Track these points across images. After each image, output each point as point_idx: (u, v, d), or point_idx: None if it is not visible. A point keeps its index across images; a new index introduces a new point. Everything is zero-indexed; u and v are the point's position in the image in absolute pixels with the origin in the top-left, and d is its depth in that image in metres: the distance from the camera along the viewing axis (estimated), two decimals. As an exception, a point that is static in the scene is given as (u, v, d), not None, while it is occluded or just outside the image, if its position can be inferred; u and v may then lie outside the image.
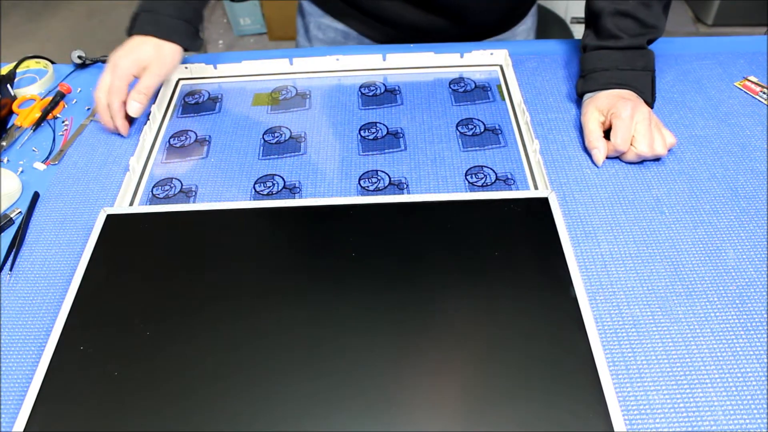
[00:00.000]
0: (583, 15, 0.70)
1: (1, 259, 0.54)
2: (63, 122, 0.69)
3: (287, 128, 0.67)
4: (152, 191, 0.60)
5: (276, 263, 0.50)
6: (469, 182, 0.59)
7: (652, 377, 0.44)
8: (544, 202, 0.54)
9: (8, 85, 0.72)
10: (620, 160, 0.61)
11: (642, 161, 0.60)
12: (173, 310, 0.47)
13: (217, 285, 0.49)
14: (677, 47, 0.76)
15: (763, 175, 0.59)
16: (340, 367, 0.43)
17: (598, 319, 0.48)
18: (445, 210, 0.53)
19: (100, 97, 0.65)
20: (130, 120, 0.67)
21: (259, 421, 0.41)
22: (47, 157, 0.65)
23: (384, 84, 0.72)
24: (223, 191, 0.60)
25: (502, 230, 0.52)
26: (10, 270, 0.53)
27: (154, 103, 0.69)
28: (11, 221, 0.57)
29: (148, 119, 0.66)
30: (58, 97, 0.71)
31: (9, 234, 0.56)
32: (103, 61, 0.77)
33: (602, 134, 0.61)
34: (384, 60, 0.74)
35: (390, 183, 0.60)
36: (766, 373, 0.44)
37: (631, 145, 0.59)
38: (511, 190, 0.59)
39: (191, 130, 0.67)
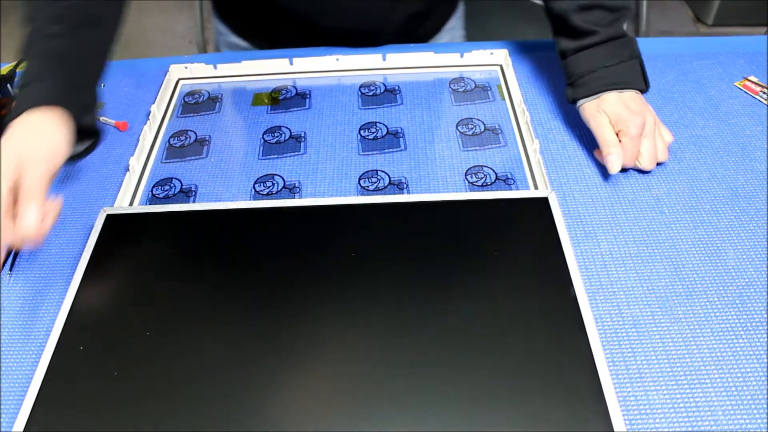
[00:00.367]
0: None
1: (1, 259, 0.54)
2: (63, 122, 0.69)
3: (287, 128, 0.67)
4: (152, 191, 0.60)
5: (276, 263, 0.50)
6: (469, 182, 0.59)
7: (652, 377, 0.44)
8: (544, 202, 0.54)
9: (8, 85, 0.72)
10: None
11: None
12: (173, 310, 0.47)
13: (216, 285, 0.49)
14: (677, 47, 0.76)
15: (763, 175, 0.59)
16: (339, 367, 0.43)
17: (598, 319, 0.48)
18: (445, 210, 0.53)
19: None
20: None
21: (259, 421, 0.41)
22: (47, 157, 0.64)
23: (384, 84, 0.72)
24: (223, 191, 0.60)
25: (502, 230, 0.52)
26: (10, 270, 0.53)
27: (153, 103, 0.69)
28: (11, 221, 0.57)
29: (148, 119, 0.66)
30: (58, 97, 0.71)
31: (9, 234, 0.56)
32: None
33: (618, 140, 0.58)
34: (384, 60, 0.74)
35: (390, 183, 0.60)
36: (766, 373, 0.44)
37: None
38: (511, 189, 0.59)
39: (191, 130, 0.67)
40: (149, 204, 0.59)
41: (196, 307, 0.47)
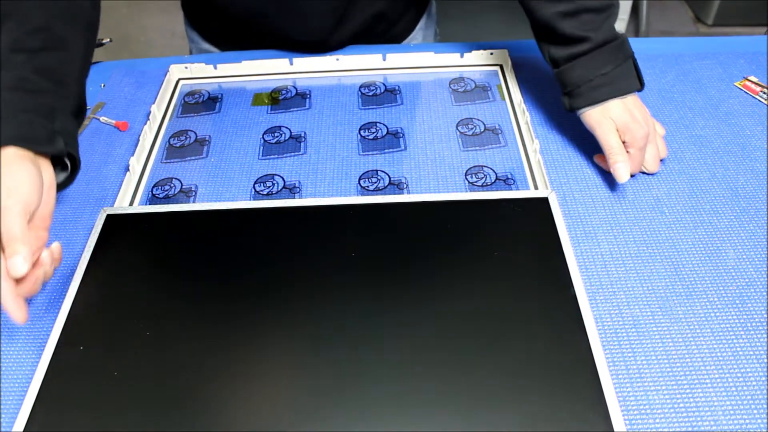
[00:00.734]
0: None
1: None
2: (63, 122, 0.69)
3: (287, 128, 0.67)
4: (152, 191, 0.60)
5: (276, 263, 0.50)
6: (469, 182, 0.59)
7: (652, 377, 0.44)
8: (544, 202, 0.54)
9: None
10: None
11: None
12: (173, 310, 0.47)
13: (217, 285, 0.49)
14: (677, 47, 0.76)
15: (763, 175, 0.59)
16: (339, 367, 0.43)
17: (598, 319, 0.48)
18: (445, 210, 0.53)
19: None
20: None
21: (260, 421, 0.41)
22: (47, 157, 0.64)
23: (384, 84, 0.72)
24: (223, 191, 0.60)
25: (502, 230, 0.52)
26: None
27: (153, 103, 0.69)
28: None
29: (148, 119, 0.66)
30: (58, 97, 0.71)
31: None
32: (103, 61, 0.77)
33: (623, 147, 0.57)
34: (384, 60, 0.74)
35: (390, 183, 0.60)
36: (766, 373, 0.44)
37: None
38: (511, 190, 0.59)
39: (191, 130, 0.67)
40: (149, 204, 0.59)
41: (196, 307, 0.47)
